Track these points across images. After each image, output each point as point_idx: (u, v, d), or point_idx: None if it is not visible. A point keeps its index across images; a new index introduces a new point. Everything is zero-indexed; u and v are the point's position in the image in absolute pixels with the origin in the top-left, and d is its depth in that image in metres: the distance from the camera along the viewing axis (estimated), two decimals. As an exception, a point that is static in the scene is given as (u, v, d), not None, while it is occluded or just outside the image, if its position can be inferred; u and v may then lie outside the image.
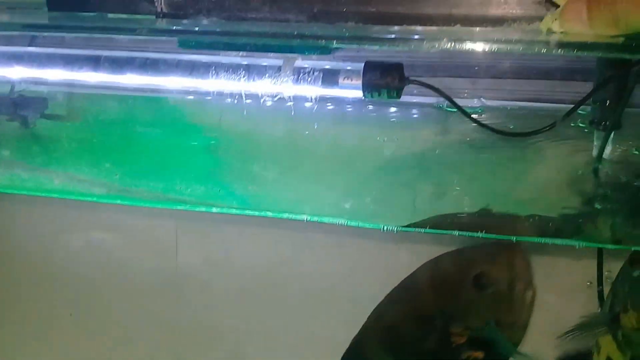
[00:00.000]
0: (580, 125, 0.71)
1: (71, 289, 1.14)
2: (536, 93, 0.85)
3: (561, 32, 0.49)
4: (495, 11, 0.63)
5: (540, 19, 0.54)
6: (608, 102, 0.69)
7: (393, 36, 0.55)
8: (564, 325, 0.74)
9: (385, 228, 0.63)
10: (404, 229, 0.63)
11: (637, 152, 0.70)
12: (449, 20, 0.64)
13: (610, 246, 0.71)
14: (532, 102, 0.81)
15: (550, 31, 0.50)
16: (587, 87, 0.72)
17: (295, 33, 0.53)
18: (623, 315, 0.70)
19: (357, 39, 0.54)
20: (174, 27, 0.58)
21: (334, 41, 0.54)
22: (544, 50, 0.47)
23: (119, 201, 0.70)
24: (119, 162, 0.74)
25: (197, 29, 0.57)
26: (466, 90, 0.94)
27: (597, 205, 0.65)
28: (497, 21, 0.62)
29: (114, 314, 1.13)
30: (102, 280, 1.12)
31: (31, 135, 0.85)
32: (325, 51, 0.57)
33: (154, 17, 0.72)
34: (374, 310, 0.83)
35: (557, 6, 0.53)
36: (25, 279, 1.16)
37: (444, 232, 0.66)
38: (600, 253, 0.81)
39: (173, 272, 1.06)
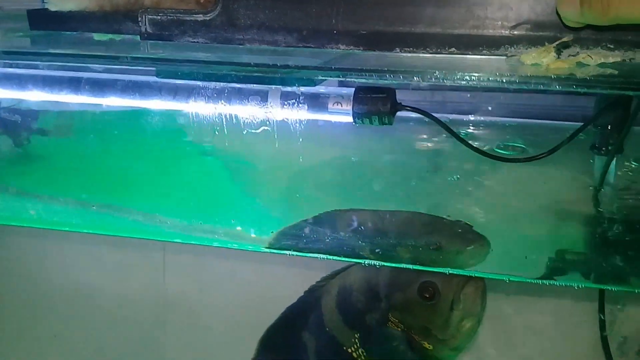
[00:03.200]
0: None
1: (56, 311, 1.11)
2: (539, 109, 0.83)
3: (547, 68, 0.47)
4: (492, 32, 0.61)
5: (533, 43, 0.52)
6: (610, 126, 0.67)
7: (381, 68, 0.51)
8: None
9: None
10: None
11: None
12: (443, 42, 0.61)
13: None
14: (535, 119, 0.79)
15: (535, 64, 0.48)
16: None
17: (279, 64, 0.50)
18: None
19: (343, 70, 0.51)
20: (155, 56, 0.55)
21: (319, 75, 0.51)
22: (541, 86, 0.44)
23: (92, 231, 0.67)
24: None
25: (177, 57, 0.54)
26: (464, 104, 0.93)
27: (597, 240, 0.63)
28: (494, 43, 0.60)
29: (99, 337, 1.10)
30: (88, 304, 1.09)
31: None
32: (309, 83, 0.55)
33: (138, 37, 0.70)
34: (349, 266, 0.84)
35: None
36: (10, 300, 1.13)
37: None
38: (601, 295, 0.79)
39: (161, 296, 1.03)
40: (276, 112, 0.62)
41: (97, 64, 0.58)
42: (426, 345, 0.75)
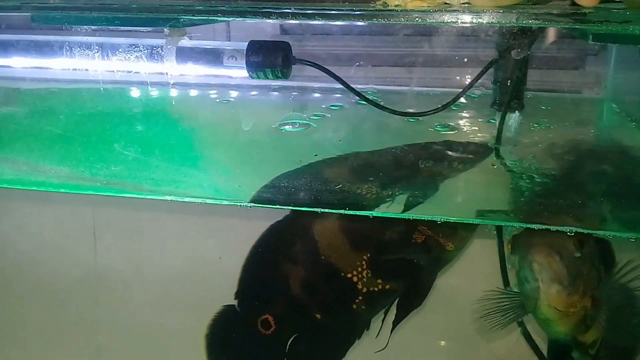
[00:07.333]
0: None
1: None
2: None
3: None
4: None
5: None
6: (509, 82, 0.69)
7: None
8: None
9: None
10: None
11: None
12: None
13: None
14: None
15: (398, 5, 0.49)
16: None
17: (136, 5, 0.50)
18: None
19: (207, 12, 0.51)
20: (28, 4, 0.54)
21: (181, 15, 0.52)
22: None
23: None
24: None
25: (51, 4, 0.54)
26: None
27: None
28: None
29: (31, 314, 1.09)
30: (17, 280, 1.08)
31: None
32: (176, 24, 0.55)
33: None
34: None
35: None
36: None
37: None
38: (499, 231, 0.81)
39: (92, 270, 1.03)
40: (173, 67, 0.62)
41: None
42: (449, 246, 0.78)
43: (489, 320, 0.69)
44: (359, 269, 0.79)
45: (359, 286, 0.79)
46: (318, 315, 0.81)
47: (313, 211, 0.64)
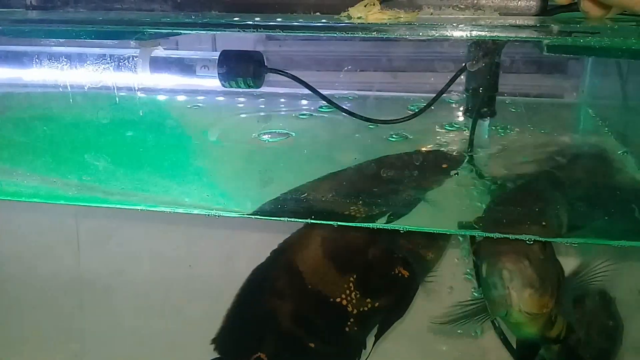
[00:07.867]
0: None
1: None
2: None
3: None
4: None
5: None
6: (481, 90, 0.70)
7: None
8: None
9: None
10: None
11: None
12: (308, 8, 0.63)
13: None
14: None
15: (360, 17, 0.50)
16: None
17: (103, 19, 0.51)
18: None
19: (172, 24, 0.52)
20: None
21: (146, 29, 0.53)
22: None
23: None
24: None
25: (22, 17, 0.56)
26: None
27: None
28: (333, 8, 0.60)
29: (15, 320, 1.10)
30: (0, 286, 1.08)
31: None
32: (142, 37, 0.56)
33: (24, 9, 0.71)
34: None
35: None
36: None
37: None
38: (472, 238, 0.82)
39: (75, 276, 1.03)
40: (146, 77, 0.63)
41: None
42: (429, 256, 0.79)
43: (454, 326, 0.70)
44: (347, 292, 0.79)
45: (349, 308, 0.79)
46: (312, 344, 0.81)
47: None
